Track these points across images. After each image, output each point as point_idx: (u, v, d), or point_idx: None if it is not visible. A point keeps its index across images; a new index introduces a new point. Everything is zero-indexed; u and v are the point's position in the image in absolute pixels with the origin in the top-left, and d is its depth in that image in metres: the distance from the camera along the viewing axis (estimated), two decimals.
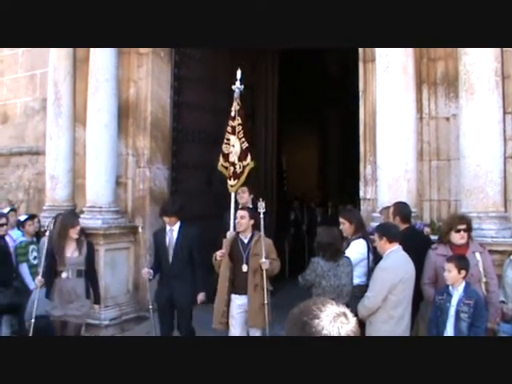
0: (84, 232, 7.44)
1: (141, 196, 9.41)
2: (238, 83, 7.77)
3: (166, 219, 7.29)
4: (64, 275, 6.86)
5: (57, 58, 9.30)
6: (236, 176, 7.46)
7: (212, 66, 10.18)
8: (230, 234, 7.08)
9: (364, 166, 7.84)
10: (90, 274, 7.10)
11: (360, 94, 7.90)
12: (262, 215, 6.57)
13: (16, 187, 10.87)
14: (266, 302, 6.44)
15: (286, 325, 2.05)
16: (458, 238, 5.92)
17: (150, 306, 7.32)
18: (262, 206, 6.56)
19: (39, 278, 6.77)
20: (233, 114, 7.60)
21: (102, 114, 8.73)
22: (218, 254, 6.72)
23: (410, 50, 6.86)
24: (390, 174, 6.86)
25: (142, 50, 9.31)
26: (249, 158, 7.41)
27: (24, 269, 7.92)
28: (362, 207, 7.77)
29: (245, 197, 7.62)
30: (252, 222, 6.69)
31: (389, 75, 6.87)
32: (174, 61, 9.73)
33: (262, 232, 6.57)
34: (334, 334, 1.90)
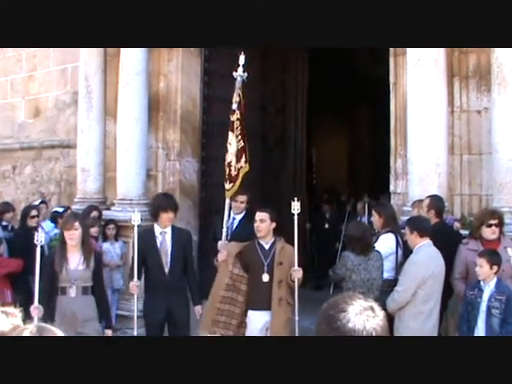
0: (92, 236, 6.63)
1: (171, 189, 9.45)
2: (240, 70, 6.77)
3: (169, 217, 6.17)
4: (72, 294, 5.63)
5: (88, 53, 9.36)
6: (232, 179, 6.62)
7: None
8: (222, 244, 6.33)
9: (394, 159, 7.78)
10: (97, 291, 5.85)
11: (391, 87, 7.84)
12: (296, 217, 5.87)
13: (48, 180, 11.00)
14: (296, 317, 5.85)
15: (318, 319, 2.06)
16: (489, 232, 5.86)
17: (135, 322, 6.19)
18: (296, 207, 5.82)
19: (35, 305, 5.19)
20: (234, 106, 6.75)
21: (133, 107, 8.79)
22: (220, 256, 6.05)
23: None
24: (420, 168, 6.81)
25: None
26: (243, 159, 6.58)
27: None
28: (392, 201, 7.72)
29: (241, 207, 6.96)
30: (273, 225, 5.98)
31: (420, 68, 6.81)
32: (204, 55, 9.76)
33: (296, 237, 5.83)
34: (360, 327, 1.89)
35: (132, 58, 8.76)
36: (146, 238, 6.16)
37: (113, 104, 9.27)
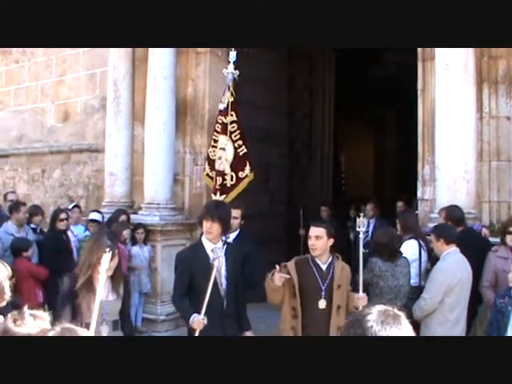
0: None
1: (198, 193, 9.51)
2: (230, 67, 6.27)
3: (206, 227, 4.89)
4: (105, 332, 4.23)
5: (116, 58, 9.45)
6: (224, 191, 5.79)
7: (270, 66, 10.22)
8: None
9: (422, 165, 7.72)
10: (125, 325, 4.54)
11: (418, 92, 7.79)
12: (361, 235, 4.93)
13: (76, 183, 11.12)
14: None
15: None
16: (510, 239, 5.81)
17: None
18: (362, 224, 4.86)
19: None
20: (223, 106, 6.04)
21: (160, 111, 8.85)
22: (279, 276, 4.71)
23: (470, 48, 6.73)
24: (448, 175, 6.75)
25: (199, 48, 9.38)
26: (248, 167, 6.00)
27: None
28: (419, 208, 7.67)
29: (235, 224, 5.75)
30: (331, 242, 4.92)
31: (449, 73, 6.75)
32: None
33: (361, 256, 4.81)
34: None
35: (160, 63, 8.82)
36: (193, 256, 4.98)
37: (141, 109, 9.34)
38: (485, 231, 6.58)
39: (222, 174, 5.94)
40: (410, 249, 6.06)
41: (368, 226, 9.12)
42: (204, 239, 4.97)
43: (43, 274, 7.29)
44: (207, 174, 6.26)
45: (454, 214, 6.22)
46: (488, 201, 7.24)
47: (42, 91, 11.90)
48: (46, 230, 8.36)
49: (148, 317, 8.69)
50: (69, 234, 8.09)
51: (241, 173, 6.06)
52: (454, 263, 5.44)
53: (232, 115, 6.03)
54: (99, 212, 8.92)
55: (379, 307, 1.99)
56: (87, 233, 8.32)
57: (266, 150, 9.99)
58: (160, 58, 8.81)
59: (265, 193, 9.92)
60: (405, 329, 1.94)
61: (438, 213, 6.60)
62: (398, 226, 6.35)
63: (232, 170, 6.02)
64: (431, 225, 6.52)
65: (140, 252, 8.46)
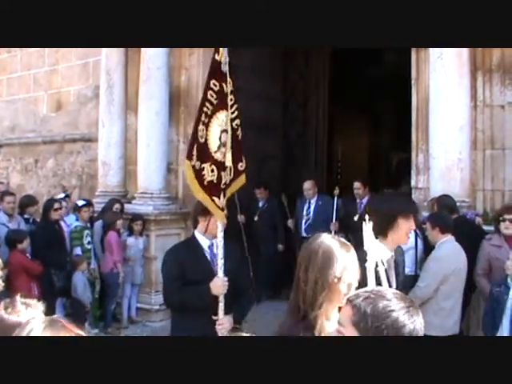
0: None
1: None
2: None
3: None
4: None
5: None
6: (216, 189, 4.19)
7: (264, 54, 10.18)
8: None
9: (416, 154, 7.71)
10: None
11: (412, 81, 7.77)
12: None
13: (69, 173, 11.08)
14: None
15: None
16: (503, 227, 5.82)
17: None
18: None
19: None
20: (225, 69, 4.21)
21: (154, 101, 8.82)
22: None
23: None
24: (442, 163, 6.75)
25: None
26: (243, 161, 4.48)
27: (78, 253, 8.08)
28: (413, 196, 7.66)
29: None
30: None
31: (443, 62, 6.74)
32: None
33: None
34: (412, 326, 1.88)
35: (153, 53, 8.78)
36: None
37: (134, 98, 9.31)
38: (478, 219, 6.59)
39: (223, 167, 4.21)
40: None
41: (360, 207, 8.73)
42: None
43: (37, 270, 7.25)
44: (193, 166, 4.18)
45: (444, 202, 6.22)
46: (482, 189, 7.24)
47: (34, 81, 11.83)
48: (38, 220, 8.33)
49: (143, 306, 8.70)
50: (62, 224, 8.07)
51: (240, 164, 4.44)
52: (449, 252, 5.44)
53: (230, 83, 4.29)
54: (85, 200, 8.92)
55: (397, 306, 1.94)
56: (77, 223, 8.28)
57: (260, 139, 9.97)
58: (153, 48, 8.76)
59: (257, 182, 9.88)
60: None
61: (429, 202, 6.60)
62: None
63: (234, 162, 4.30)
64: (425, 213, 6.53)
65: (135, 243, 8.46)
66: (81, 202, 8.65)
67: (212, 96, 4.26)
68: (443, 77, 6.75)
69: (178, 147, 9.56)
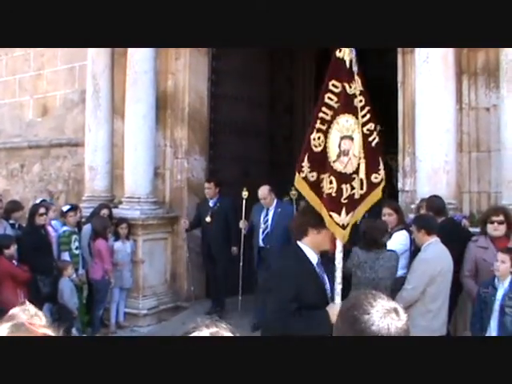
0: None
1: (178, 187, 9.48)
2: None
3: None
4: None
5: (95, 51, 9.38)
6: (351, 205, 3.82)
7: (250, 58, 10.18)
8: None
9: (403, 157, 7.75)
10: None
11: (399, 85, 7.81)
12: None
13: (56, 178, 11.03)
14: None
15: (337, 318, 2.03)
16: (491, 229, 5.85)
17: None
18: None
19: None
20: (355, 68, 3.95)
21: (140, 105, 8.80)
22: None
23: None
24: (429, 166, 6.79)
25: None
26: (382, 166, 3.96)
27: (66, 258, 8.02)
28: (400, 199, 7.70)
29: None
30: None
31: (429, 65, 6.79)
32: (212, 53, 9.77)
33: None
34: (384, 331, 1.85)
35: (140, 57, 8.77)
36: None
37: (120, 102, 9.29)
38: (465, 221, 6.62)
39: (349, 178, 3.78)
40: (401, 239, 6.08)
41: None
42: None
43: (24, 277, 7.14)
44: (304, 178, 3.90)
45: (434, 204, 6.25)
46: (468, 191, 7.29)
47: (20, 85, 11.77)
48: (24, 225, 8.27)
49: (130, 311, 8.67)
50: (49, 228, 8.01)
51: (374, 176, 3.89)
52: (435, 254, 5.46)
53: (358, 82, 3.86)
54: (71, 204, 8.87)
55: (378, 304, 1.94)
56: (66, 227, 8.22)
57: (245, 143, 9.97)
58: (140, 52, 8.75)
59: (244, 187, 9.85)
60: (404, 323, 1.92)
61: (419, 203, 6.62)
62: (392, 217, 6.30)
63: (367, 175, 3.85)
64: (412, 216, 6.56)
65: (123, 248, 8.43)
66: (66, 207, 8.60)
67: (331, 99, 3.90)
68: (429, 80, 6.79)
69: (165, 151, 9.56)
